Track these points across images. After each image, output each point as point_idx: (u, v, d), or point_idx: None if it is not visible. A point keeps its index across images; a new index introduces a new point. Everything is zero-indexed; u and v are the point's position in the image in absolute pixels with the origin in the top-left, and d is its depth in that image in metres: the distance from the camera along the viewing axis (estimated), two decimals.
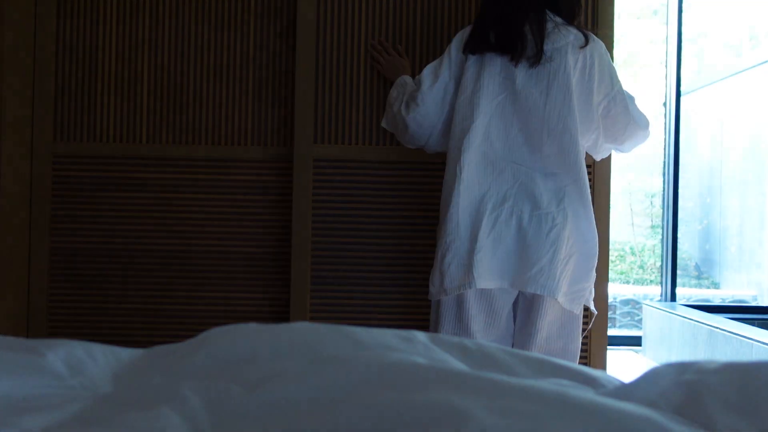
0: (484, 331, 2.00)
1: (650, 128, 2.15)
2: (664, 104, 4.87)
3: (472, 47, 1.96)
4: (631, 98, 2.12)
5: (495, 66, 1.95)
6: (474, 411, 0.68)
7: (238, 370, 0.88)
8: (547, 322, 1.98)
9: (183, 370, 0.92)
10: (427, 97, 2.04)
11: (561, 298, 1.93)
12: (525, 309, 2.02)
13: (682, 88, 4.82)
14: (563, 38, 1.93)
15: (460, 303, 1.98)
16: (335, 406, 0.72)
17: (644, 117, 2.13)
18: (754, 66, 6.49)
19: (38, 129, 2.48)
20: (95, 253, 2.51)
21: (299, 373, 0.79)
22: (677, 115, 4.70)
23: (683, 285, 7.21)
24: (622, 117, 2.06)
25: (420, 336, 1.01)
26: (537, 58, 1.91)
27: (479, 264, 1.91)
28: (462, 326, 1.99)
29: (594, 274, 2.01)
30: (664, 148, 4.90)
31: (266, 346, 0.93)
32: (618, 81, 2.05)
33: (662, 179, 5.13)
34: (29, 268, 2.49)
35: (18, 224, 2.48)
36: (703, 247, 7.42)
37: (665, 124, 4.82)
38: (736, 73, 6.78)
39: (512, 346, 2.02)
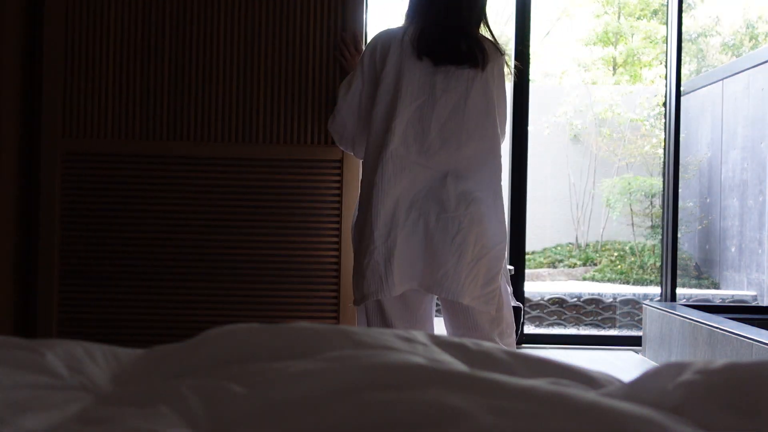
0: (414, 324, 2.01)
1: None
2: (664, 104, 4.87)
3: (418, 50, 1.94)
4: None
5: (414, 70, 1.94)
6: (473, 411, 0.68)
7: (238, 370, 0.88)
8: (471, 319, 1.97)
9: (182, 369, 0.92)
10: (342, 108, 2.07)
11: (471, 301, 1.92)
12: (445, 312, 2.03)
13: (682, 88, 4.82)
14: (481, 44, 1.96)
15: (381, 308, 1.99)
16: (335, 406, 0.72)
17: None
18: (754, 66, 6.49)
19: (46, 125, 2.49)
20: (103, 251, 2.52)
21: (299, 373, 0.79)
22: (677, 115, 4.70)
23: (683, 285, 7.21)
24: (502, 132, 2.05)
25: (420, 336, 1.01)
26: (457, 61, 1.93)
27: (395, 269, 1.90)
28: (385, 323, 2.00)
29: (503, 275, 2.00)
30: (664, 148, 4.90)
31: (266, 346, 0.93)
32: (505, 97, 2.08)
33: (662, 179, 5.14)
34: (37, 266, 2.50)
35: (26, 222, 2.48)
36: (703, 247, 7.42)
37: (665, 124, 4.81)
38: (736, 73, 6.78)
39: None
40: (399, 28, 2.02)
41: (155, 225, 2.52)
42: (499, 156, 1.95)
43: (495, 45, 2.00)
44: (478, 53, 1.93)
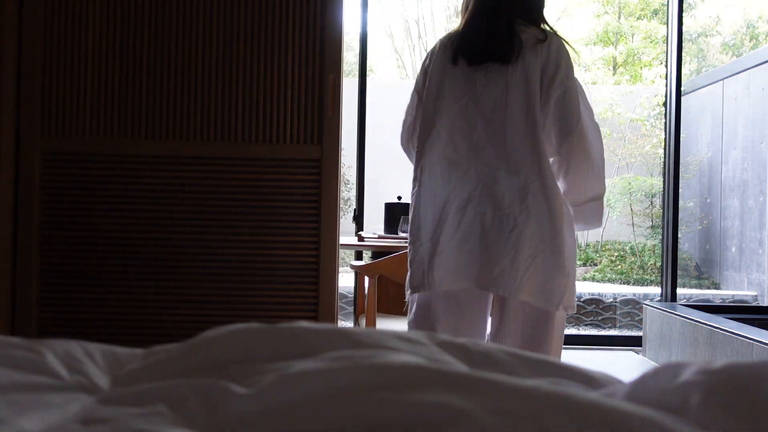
0: (452, 333, 1.96)
1: (582, 129, 1.99)
2: (665, 104, 4.87)
3: (463, 55, 1.97)
4: (583, 93, 2.05)
5: (455, 71, 1.98)
6: (474, 411, 0.68)
7: (238, 370, 0.88)
8: (519, 323, 1.97)
9: (182, 369, 0.92)
10: (404, 122, 2.15)
11: (529, 298, 1.92)
12: (497, 311, 2.02)
13: (683, 88, 4.81)
14: (518, 38, 1.94)
15: (427, 303, 2.03)
16: (334, 406, 0.72)
17: (588, 112, 2.05)
18: (754, 66, 6.49)
19: (25, 125, 2.50)
20: (84, 249, 2.52)
21: (298, 373, 0.79)
22: (677, 115, 4.70)
23: (683, 285, 7.21)
24: (574, 108, 1.96)
25: (420, 336, 1.01)
26: (491, 58, 1.94)
27: (439, 267, 1.94)
28: (428, 324, 2.02)
29: (568, 270, 1.95)
30: (664, 148, 4.89)
31: (265, 346, 0.93)
32: (572, 75, 1.99)
33: (662, 179, 5.13)
34: (16, 264, 2.50)
35: (6, 223, 2.48)
36: (703, 247, 7.42)
37: (665, 124, 4.81)
38: (737, 73, 6.77)
39: None
40: (449, 33, 2.07)
41: (134, 224, 2.53)
42: (544, 149, 1.92)
43: (542, 32, 1.97)
44: (512, 48, 1.92)
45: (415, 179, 2.00)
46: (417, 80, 2.10)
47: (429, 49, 2.09)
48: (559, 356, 2.03)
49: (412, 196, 2.02)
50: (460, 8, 2.11)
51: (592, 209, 2.03)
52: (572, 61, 1.98)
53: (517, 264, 1.89)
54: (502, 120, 1.92)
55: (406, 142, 2.16)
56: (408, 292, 2.05)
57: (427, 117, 1.99)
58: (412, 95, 2.12)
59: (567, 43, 1.99)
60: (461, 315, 2.02)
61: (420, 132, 2.01)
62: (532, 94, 1.91)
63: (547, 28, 2.01)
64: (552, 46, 1.94)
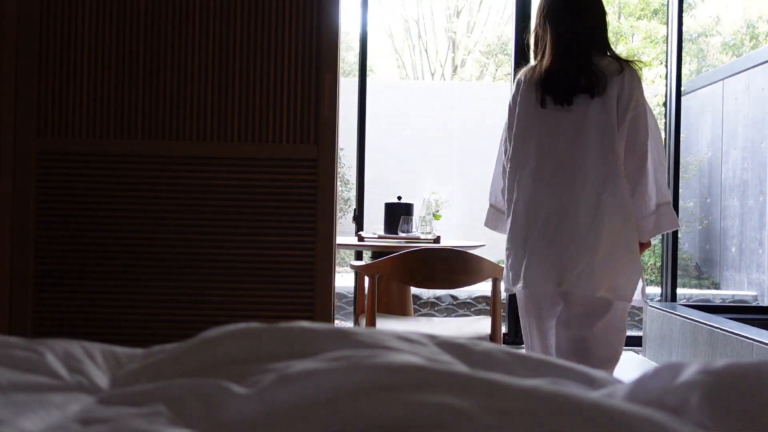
0: (540, 323, 2.35)
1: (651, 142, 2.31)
2: (665, 104, 4.87)
3: (553, 95, 2.26)
4: (650, 111, 2.33)
5: (548, 101, 2.26)
6: (474, 411, 0.68)
7: (237, 370, 0.87)
8: (596, 316, 2.26)
9: (182, 369, 0.92)
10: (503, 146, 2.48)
11: (608, 294, 2.22)
12: (571, 309, 2.28)
13: (683, 88, 4.81)
14: (598, 71, 2.22)
15: (525, 300, 2.37)
16: (334, 407, 0.72)
17: (654, 131, 2.34)
18: (754, 66, 6.49)
19: (20, 125, 2.50)
20: (80, 249, 2.52)
21: (298, 373, 0.79)
22: (677, 114, 4.70)
23: (683, 285, 7.20)
24: (642, 129, 2.26)
25: (420, 337, 1.01)
26: (578, 92, 2.22)
27: (527, 271, 2.25)
28: (529, 314, 2.37)
29: (635, 269, 2.26)
30: (664, 148, 4.89)
31: (265, 346, 0.93)
32: (643, 99, 2.28)
33: None
34: (13, 264, 2.50)
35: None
36: (704, 247, 7.42)
37: (665, 123, 4.81)
38: (737, 73, 6.78)
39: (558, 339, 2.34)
40: (531, 66, 2.34)
41: (130, 224, 2.52)
42: (621, 166, 2.21)
43: (619, 62, 2.25)
44: (596, 82, 2.21)
45: (511, 191, 2.32)
46: (509, 109, 2.38)
47: (515, 82, 2.37)
48: (623, 342, 2.35)
49: (509, 208, 2.33)
50: (531, 42, 2.37)
51: (665, 212, 2.31)
52: (641, 83, 2.28)
53: (593, 265, 2.19)
54: (583, 142, 2.21)
55: (500, 160, 2.47)
56: (504, 289, 2.43)
57: (518, 144, 2.31)
58: (505, 128, 2.43)
59: (636, 64, 2.28)
60: (540, 311, 2.35)
61: (513, 155, 2.32)
62: (610, 119, 2.20)
63: (615, 55, 2.29)
64: (626, 76, 2.22)
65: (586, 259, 2.19)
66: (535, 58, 2.35)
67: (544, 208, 2.23)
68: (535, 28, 2.34)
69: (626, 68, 2.24)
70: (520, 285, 2.27)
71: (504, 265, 2.39)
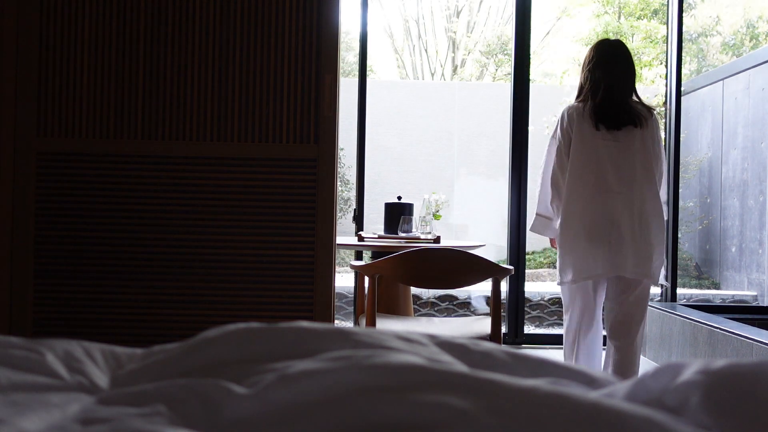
0: (592, 303, 2.97)
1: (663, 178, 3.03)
2: (665, 104, 4.87)
3: (600, 121, 2.90)
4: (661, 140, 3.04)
5: (596, 131, 2.89)
6: (474, 411, 0.68)
7: (237, 370, 0.88)
8: (634, 296, 2.91)
9: (182, 369, 0.92)
10: (547, 163, 3.09)
11: (647, 278, 2.86)
12: (616, 286, 2.92)
13: (683, 88, 4.81)
14: (636, 110, 2.91)
15: (581, 287, 2.96)
16: (334, 407, 0.72)
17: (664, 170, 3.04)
18: (754, 66, 6.49)
19: (20, 125, 2.49)
20: (80, 249, 2.52)
21: (298, 373, 0.79)
22: (677, 115, 4.70)
23: (683, 285, 7.20)
24: (663, 160, 3.01)
25: (420, 337, 1.01)
26: (624, 124, 2.89)
27: (579, 266, 2.89)
28: (586, 297, 2.96)
29: (663, 259, 2.93)
30: (665, 148, 4.89)
31: (265, 346, 0.93)
32: (661, 135, 3.00)
33: None
34: (12, 264, 2.50)
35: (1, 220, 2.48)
36: (704, 247, 7.42)
37: (665, 123, 4.81)
38: (737, 73, 6.77)
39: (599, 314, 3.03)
40: (579, 104, 2.96)
41: (130, 224, 2.52)
42: (657, 183, 2.91)
43: (645, 107, 2.96)
44: (636, 117, 2.89)
45: (566, 204, 2.90)
46: (558, 137, 2.96)
47: (562, 115, 2.98)
48: (647, 307, 2.99)
49: (561, 214, 2.92)
50: (581, 81, 3.01)
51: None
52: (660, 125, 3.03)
53: (645, 256, 2.84)
54: (631, 162, 2.87)
55: (556, 176, 3.00)
56: (558, 282, 3.02)
57: (579, 160, 2.89)
58: (554, 144, 3.00)
59: (653, 110, 2.99)
60: (596, 295, 2.98)
61: (573, 170, 2.89)
62: (647, 147, 2.90)
63: (641, 101, 2.97)
64: (653, 119, 2.96)
65: (630, 250, 2.83)
66: (579, 96, 3.00)
67: (605, 213, 2.84)
68: (585, 74, 2.98)
69: (652, 113, 2.96)
70: (584, 275, 2.87)
71: (559, 261, 2.96)
